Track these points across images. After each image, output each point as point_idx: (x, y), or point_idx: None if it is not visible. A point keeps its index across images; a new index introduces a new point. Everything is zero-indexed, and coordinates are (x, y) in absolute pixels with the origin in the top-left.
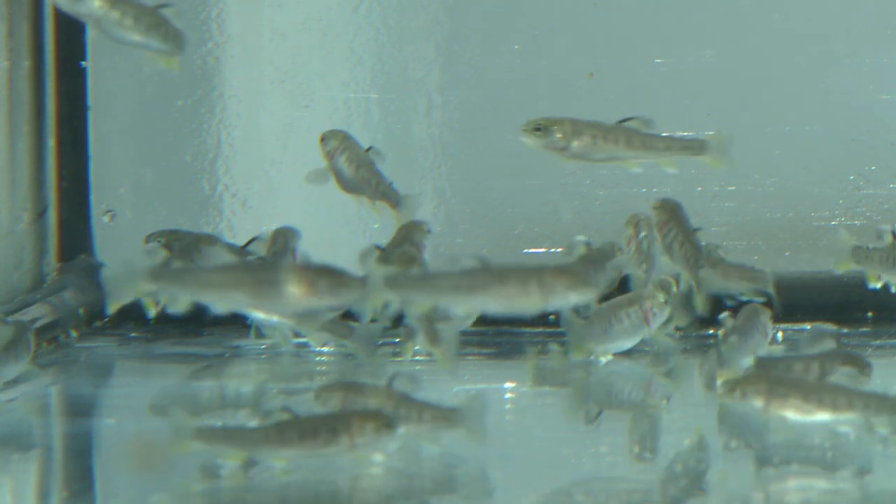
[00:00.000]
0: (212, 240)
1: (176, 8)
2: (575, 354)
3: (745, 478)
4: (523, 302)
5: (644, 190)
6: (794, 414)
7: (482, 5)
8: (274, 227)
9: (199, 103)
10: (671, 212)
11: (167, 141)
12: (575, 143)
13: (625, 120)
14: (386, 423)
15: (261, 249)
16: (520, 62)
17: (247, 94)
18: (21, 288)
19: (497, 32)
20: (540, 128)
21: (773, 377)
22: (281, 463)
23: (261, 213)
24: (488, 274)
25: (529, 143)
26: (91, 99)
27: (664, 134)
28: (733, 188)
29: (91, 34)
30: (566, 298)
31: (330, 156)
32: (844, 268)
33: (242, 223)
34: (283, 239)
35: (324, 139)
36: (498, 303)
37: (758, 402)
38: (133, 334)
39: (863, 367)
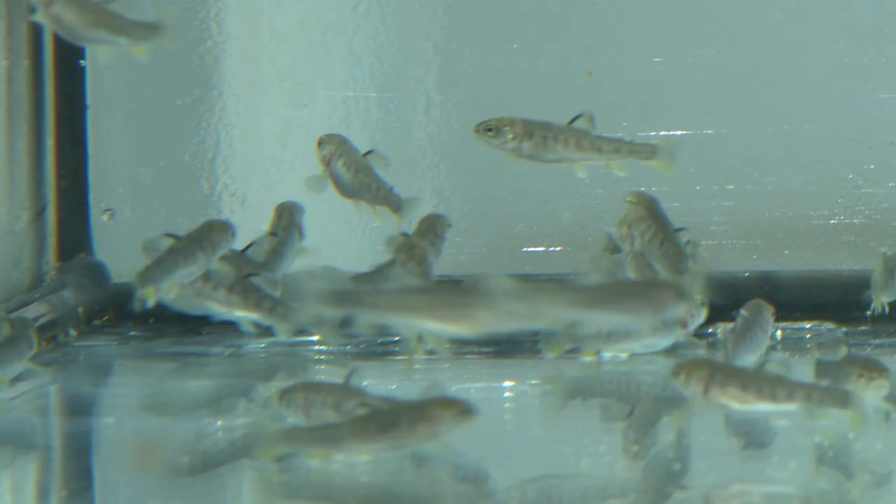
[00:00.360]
0: (225, 226)
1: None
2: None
3: (743, 477)
4: (629, 317)
5: (643, 189)
6: (732, 402)
7: (481, 5)
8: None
9: (198, 102)
10: (648, 207)
11: (166, 140)
12: (526, 144)
13: (574, 118)
14: (464, 409)
15: (261, 253)
16: (519, 61)
17: (246, 93)
18: (20, 287)
19: (496, 32)
20: (491, 129)
21: (717, 364)
22: (365, 457)
23: (260, 212)
24: (596, 290)
25: (481, 144)
26: (90, 98)
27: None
28: (732, 187)
29: None
30: (668, 313)
31: (326, 161)
32: (882, 301)
33: (241, 222)
34: (289, 214)
35: (320, 144)
36: (606, 317)
37: (698, 388)
38: (132, 333)
39: (880, 371)
